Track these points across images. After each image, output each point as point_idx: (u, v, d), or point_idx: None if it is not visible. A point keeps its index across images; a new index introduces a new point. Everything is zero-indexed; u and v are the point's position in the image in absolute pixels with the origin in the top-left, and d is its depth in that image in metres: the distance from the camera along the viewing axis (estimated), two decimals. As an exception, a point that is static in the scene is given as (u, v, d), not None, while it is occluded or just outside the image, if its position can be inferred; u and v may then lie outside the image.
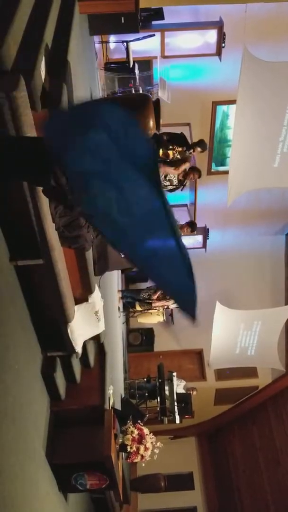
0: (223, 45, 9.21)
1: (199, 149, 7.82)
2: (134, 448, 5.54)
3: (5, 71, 2.99)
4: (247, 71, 7.52)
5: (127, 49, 8.37)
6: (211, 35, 9.34)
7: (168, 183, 8.03)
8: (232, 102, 8.77)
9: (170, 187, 8.11)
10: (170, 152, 7.02)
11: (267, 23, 9.28)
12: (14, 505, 3.46)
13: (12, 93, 2.77)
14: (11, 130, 2.91)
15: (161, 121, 4.82)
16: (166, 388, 9.39)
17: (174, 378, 9.49)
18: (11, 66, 3.07)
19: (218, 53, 9.40)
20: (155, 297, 9.49)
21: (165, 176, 7.94)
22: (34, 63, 3.30)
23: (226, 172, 9.22)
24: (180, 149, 7.37)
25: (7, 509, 3.31)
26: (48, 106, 3.48)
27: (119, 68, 8.64)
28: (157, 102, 4.76)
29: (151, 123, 4.66)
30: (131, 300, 9.98)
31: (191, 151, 7.64)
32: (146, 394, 9.55)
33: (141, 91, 8.64)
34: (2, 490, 3.25)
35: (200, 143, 7.78)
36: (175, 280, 1.96)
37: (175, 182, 8.02)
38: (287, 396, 11.86)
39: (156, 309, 10.54)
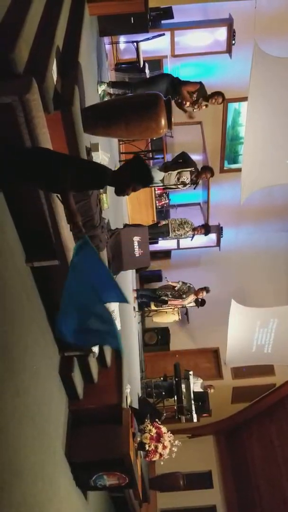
0: (233, 42, 9.17)
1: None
2: (153, 447, 5.55)
3: (18, 74, 3.03)
4: (258, 68, 7.48)
5: (137, 49, 8.37)
6: (221, 33, 9.31)
7: (181, 185, 8.07)
8: (244, 99, 8.73)
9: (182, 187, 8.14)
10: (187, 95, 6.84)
11: (277, 19, 9.22)
12: (35, 504, 3.50)
13: (25, 96, 2.80)
14: (25, 132, 2.95)
15: (172, 119, 4.82)
16: (183, 386, 9.39)
17: (191, 377, 9.49)
18: (23, 69, 3.10)
19: (228, 50, 9.36)
20: (171, 290, 9.53)
21: (178, 179, 7.97)
22: (45, 65, 3.33)
23: (239, 170, 9.18)
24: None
25: (29, 508, 3.35)
26: (61, 108, 3.51)
27: (129, 68, 8.64)
28: (168, 101, 4.76)
29: (163, 122, 4.66)
30: (146, 300, 10.00)
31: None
32: (163, 393, 9.56)
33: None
34: (24, 489, 3.29)
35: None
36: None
37: (188, 181, 8.04)
38: (305, 393, 11.79)
39: (171, 308, 10.56)
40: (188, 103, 6.74)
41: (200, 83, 6.72)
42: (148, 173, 3.14)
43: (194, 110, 6.90)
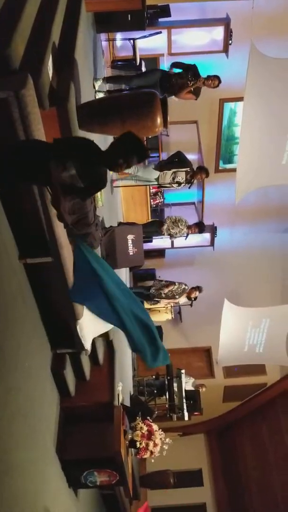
0: (230, 42, 9.17)
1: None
2: (144, 444, 5.56)
3: (13, 69, 3.01)
4: (254, 68, 7.49)
5: (133, 46, 8.36)
6: (218, 32, 9.30)
7: (176, 185, 8.07)
8: (240, 99, 8.73)
9: (177, 186, 8.14)
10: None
11: (274, 19, 9.24)
12: (25, 501, 3.50)
13: (20, 91, 2.79)
14: (19, 128, 2.94)
15: (168, 118, 4.82)
16: (175, 385, 9.40)
17: (183, 375, 9.50)
18: (19, 64, 3.08)
19: (225, 50, 9.35)
20: (166, 290, 9.49)
21: (173, 178, 7.98)
22: (41, 61, 3.32)
23: (234, 170, 9.19)
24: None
25: (18, 505, 3.35)
26: (56, 104, 3.50)
27: (126, 66, 8.63)
28: (164, 100, 4.76)
29: (159, 120, 4.66)
30: (140, 299, 9.97)
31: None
32: (155, 391, 9.57)
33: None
34: (14, 485, 3.28)
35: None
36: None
37: (183, 181, 8.04)
38: (296, 393, 11.84)
39: (164, 307, 10.56)
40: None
41: (194, 64, 6.89)
42: (142, 145, 3.01)
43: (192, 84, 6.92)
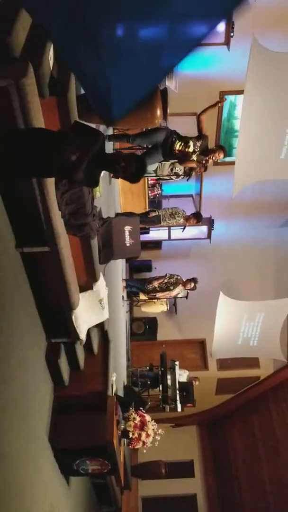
0: (232, 34, 9.12)
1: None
2: (136, 435, 5.60)
3: (14, 57, 3.00)
4: (255, 62, 7.46)
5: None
6: (220, 24, 9.22)
7: (174, 177, 8.05)
8: (240, 92, 8.70)
9: (176, 178, 8.12)
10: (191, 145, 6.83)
11: (277, 13, 9.18)
12: (17, 488, 3.53)
13: (21, 80, 2.78)
14: (19, 117, 2.93)
15: (168, 110, 4.81)
16: (168, 377, 9.45)
17: (176, 367, 9.55)
18: (20, 53, 3.07)
19: (227, 42, 9.31)
20: (156, 283, 9.50)
21: (171, 169, 7.95)
22: (42, 50, 3.30)
23: (233, 163, 9.17)
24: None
25: (10, 493, 3.38)
26: (56, 94, 3.48)
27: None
28: (164, 91, 4.76)
29: (158, 112, 4.66)
30: (136, 290, 10.03)
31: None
32: (149, 382, 9.62)
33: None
34: (6, 474, 3.31)
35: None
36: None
37: (181, 172, 8.03)
38: (289, 387, 11.92)
39: (159, 299, 10.59)
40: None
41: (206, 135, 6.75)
42: (139, 176, 3.20)
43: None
